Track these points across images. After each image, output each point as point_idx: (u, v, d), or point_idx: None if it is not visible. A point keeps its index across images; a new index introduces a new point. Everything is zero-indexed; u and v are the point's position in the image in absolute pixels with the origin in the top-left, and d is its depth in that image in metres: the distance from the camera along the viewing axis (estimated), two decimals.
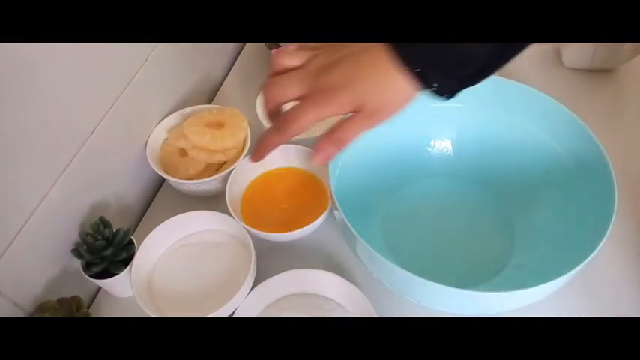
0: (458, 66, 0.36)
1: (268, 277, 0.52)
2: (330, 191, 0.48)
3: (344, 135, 0.40)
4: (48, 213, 0.47)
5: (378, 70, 0.37)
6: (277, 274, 0.52)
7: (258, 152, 0.44)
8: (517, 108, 0.56)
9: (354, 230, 0.44)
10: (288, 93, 0.40)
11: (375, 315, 0.48)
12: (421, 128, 0.61)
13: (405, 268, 0.41)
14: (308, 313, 0.51)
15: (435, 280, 0.40)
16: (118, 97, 0.55)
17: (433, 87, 0.37)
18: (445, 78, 0.37)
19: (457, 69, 0.37)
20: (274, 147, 0.43)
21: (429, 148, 0.62)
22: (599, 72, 0.75)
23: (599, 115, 0.70)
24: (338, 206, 0.46)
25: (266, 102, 0.43)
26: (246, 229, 0.53)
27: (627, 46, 0.70)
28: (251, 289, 0.51)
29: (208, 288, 0.53)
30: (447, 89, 0.38)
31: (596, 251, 0.41)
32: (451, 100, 0.58)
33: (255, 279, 0.52)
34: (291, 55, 0.42)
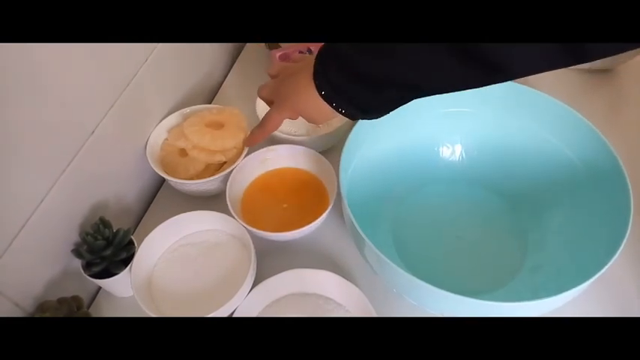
0: (357, 99, 0.42)
1: (268, 277, 0.52)
2: (342, 197, 0.47)
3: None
4: (48, 213, 0.47)
5: (305, 89, 0.44)
6: (277, 274, 0.52)
7: (249, 141, 0.59)
8: (527, 112, 0.56)
9: (366, 239, 0.43)
10: (265, 96, 0.51)
11: (375, 315, 0.48)
12: (431, 134, 0.60)
13: (421, 278, 0.40)
14: (308, 313, 0.51)
15: (450, 288, 0.39)
16: (117, 97, 0.55)
17: (340, 111, 0.43)
18: (350, 107, 0.43)
19: (358, 102, 0.42)
20: (260, 139, 0.54)
21: (439, 154, 0.62)
22: (599, 72, 0.75)
23: (598, 114, 0.69)
24: (349, 212, 0.45)
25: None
26: (246, 229, 0.53)
27: None
28: (251, 289, 0.51)
29: (208, 288, 0.53)
30: (355, 116, 0.44)
31: (616, 255, 0.41)
32: (459, 104, 0.59)
33: (255, 279, 0.52)
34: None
